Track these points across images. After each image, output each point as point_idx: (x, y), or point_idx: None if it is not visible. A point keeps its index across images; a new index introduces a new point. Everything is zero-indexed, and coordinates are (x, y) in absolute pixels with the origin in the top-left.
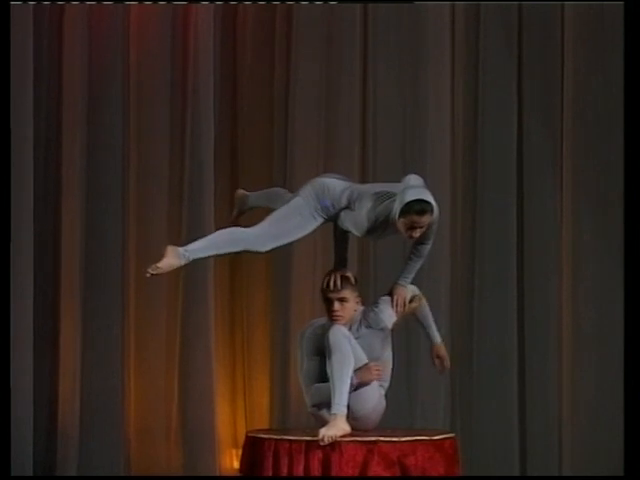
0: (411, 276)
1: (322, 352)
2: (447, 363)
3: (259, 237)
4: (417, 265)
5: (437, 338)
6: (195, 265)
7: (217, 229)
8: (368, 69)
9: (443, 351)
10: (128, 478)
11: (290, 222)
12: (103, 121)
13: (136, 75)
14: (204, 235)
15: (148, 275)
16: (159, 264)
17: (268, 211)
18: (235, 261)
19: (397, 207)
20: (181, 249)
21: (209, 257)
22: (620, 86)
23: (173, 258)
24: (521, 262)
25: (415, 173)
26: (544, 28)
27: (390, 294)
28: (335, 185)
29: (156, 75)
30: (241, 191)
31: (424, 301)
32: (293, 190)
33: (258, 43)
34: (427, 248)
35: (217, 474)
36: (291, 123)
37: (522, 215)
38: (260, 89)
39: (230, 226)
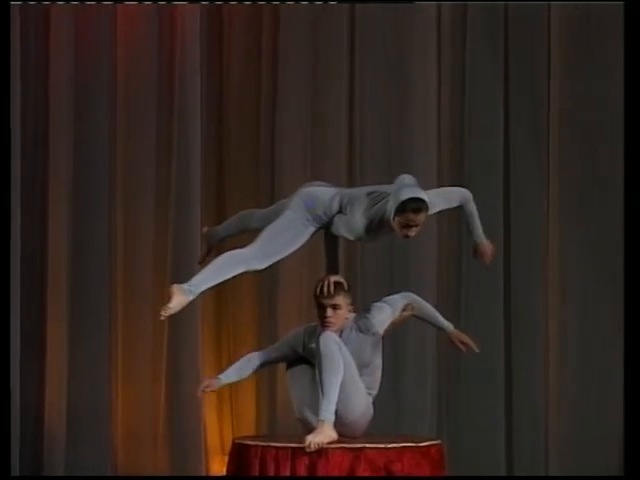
0: (478, 231)
1: (308, 357)
2: (472, 344)
3: (256, 256)
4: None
5: (450, 326)
6: (181, 267)
7: (202, 242)
8: (355, 70)
9: (463, 335)
10: (128, 478)
11: (284, 236)
12: (90, 123)
13: (123, 76)
14: (191, 239)
15: (162, 318)
16: (170, 304)
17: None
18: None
19: (392, 206)
20: (185, 285)
21: (213, 284)
22: (606, 87)
23: (181, 296)
24: (508, 265)
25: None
26: (530, 28)
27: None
28: (323, 193)
29: (143, 76)
30: (206, 228)
31: (421, 301)
32: (278, 192)
33: (245, 43)
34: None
35: None
36: (278, 124)
37: (509, 218)
38: (247, 90)
39: (201, 264)
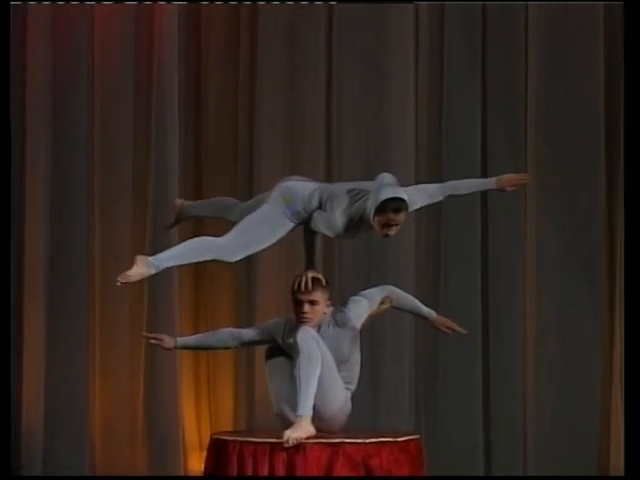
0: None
1: (286, 349)
2: (457, 327)
3: (228, 247)
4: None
5: (432, 313)
6: (159, 274)
7: (179, 231)
8: (333, 69)
9: (447, 320)
10: (129, 478)
11: (259, 230)
12: (67, 123)
13: (100, 76)
14: (168, 236)
15: (118, 284)
16: (129, 272)
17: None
18: (199, 266)
19: (372, 205)
20: (150, 258)
21: (178, 266)
22: (583, 86)
23: (143, 267)
24: (485, 261)
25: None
26: (508, 27)
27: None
28: (303, 188)
29: (120, 76)
30: (180, 200)
31: (400, 292)
32: (257, 190)
33: (223, 42)
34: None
35: (182, 476)
36: (257, 122)
37: (486, 216)
38: (225, 88)
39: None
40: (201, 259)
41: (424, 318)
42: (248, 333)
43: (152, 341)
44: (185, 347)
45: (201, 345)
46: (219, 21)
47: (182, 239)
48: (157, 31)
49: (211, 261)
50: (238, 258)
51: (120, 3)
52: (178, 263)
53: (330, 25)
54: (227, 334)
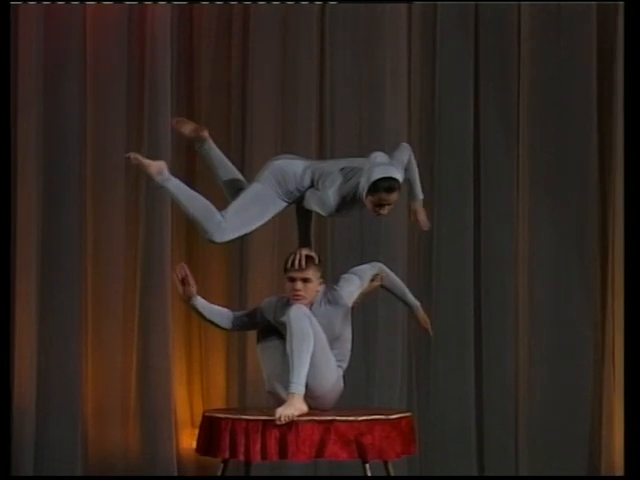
0: (418, 189)
1: (279, 327)
2: (429, 327)
3: (221, 226)
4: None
5: (416, 303)
6: (152, 244)
7: (174, 214)
8: (325, 62)
9: (425, 319)
10: (130, 478)
11: (250, 211)
12: (59, 122)
13: (93, 77)
14: (161, 221)
15: (127, 156)
16: (140, 157)
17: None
18: (192, 241)
19: (364, 185)
20: (167, 170)
21: (174, 200)
22: (574, 81)
23: (155, 167)
24: (478, 245)
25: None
26: (501, 12)
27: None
28: (295, 166)
29: (112, 76)
30: (207, 133)
31: (390, 273)
32: (249, 171)
33: (215, 40)
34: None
35: (174, 454)
36: (250, 104)
37: (479, 196)
38: (216, 69)
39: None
40: (196, 214)
41: (408, 306)
42: (242, 317)
43: (179, 280)
44: (195, 307)
45: (203, 314)
46: (211, 20)
47: (175, 228)
48: (149, 32)
49: (199, 229)
50: (226, 239)
51: (113, 3)
52: (176, 196)
53: (322, 24)
54: (225, 314)
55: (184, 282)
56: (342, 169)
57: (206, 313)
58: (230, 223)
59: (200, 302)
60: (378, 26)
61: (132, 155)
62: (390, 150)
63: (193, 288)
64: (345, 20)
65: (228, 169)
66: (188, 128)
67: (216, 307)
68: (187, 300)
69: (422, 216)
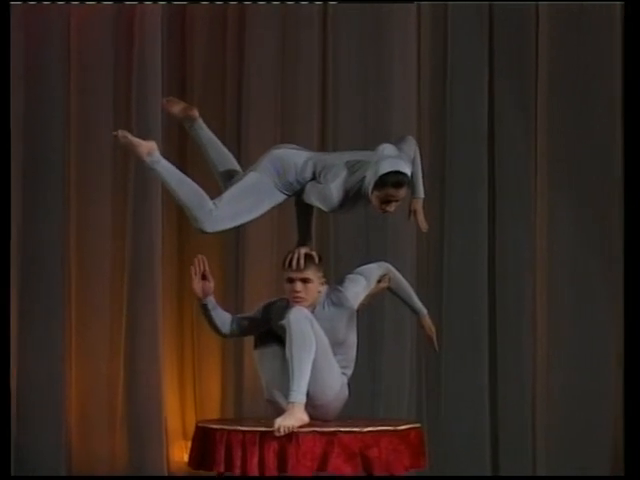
0: (420, 187)
1: (279, 331)
2: (435, 339)
3: (213, 214)
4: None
5: (423, 309)
6: (141, 243)
7: (165, 203)
8: (328, 53)
9: (431, 328)
10: (129, 478)
11: (246, 201)
12: (43, 127)
13: (77, 82)
14: (150, 211)
15: (115, 134)
16: (129, 136)
17: None
18: (184, 238)
19: (371, 180)
20: (157, 151)
21: (164, 184)
22: (597, 71)
23: (145, 147)
24: (493, 245)
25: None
26: (516, 23)
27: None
28: (295, 157)
29: (99, 79)
30: (196, 112)
31: (397, 274)
32: (245, 161)
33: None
34: None
35: (165, 467)
36: (246, 90)
37: (494, 192)
38: (210, 44)
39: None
40: (186, 200)
41: (413, 312)
42: (241, 320)
43: (198, 275)
44: (206, 307)
45: (212, 315)
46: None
47: (166, 219)
48: (137, 34)
49: (189, 217)
50: (218, 229)
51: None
52: (166, 180)
53: (324, 26)
54: (227, 318)
55: (203, 277)
56: (347, 162)
57: (213, 314)
58: (223, 212)
59: (212, 302)
60: (385, 21)
61: (120, 133)
62: (395, 142)
63: (212, 284)
64: (350, 17)
65: (220, 151)
66: (177, 108)
67: (221, 310)
68: (202, 298)
69: (421, 216)
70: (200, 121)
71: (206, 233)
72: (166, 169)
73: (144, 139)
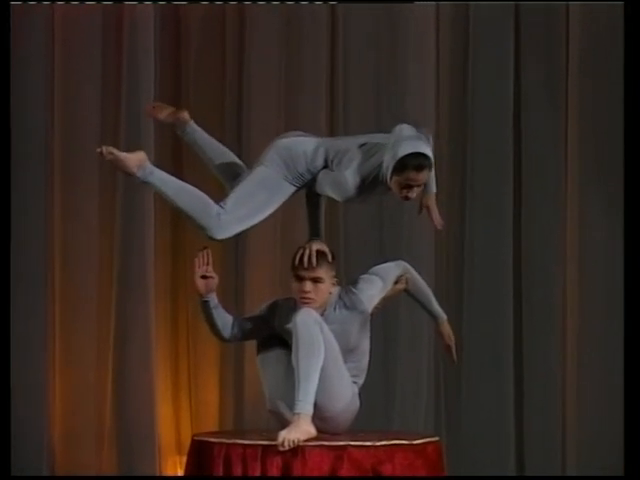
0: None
1: (283, 335)
2: (453, 351)
3: (220, 219)
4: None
5: (442, 315)
6: (132, 244)
7: (156, 208)
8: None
9: (450, 336)
10: (131, 478)
11: (255, 200)
12: (26, 134)
13: (62, 83)
14: (141, 205)
15: (98, 150)
16: (115, 151)
17: None
18: (178, 238)
19: (389, 163)
20: (149, 163)
21: (162, 196)
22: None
23: (134, 161)
24: (518, 243)
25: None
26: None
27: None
28: (304, 145)
29: (85, 81)
30: (187, 115)
31: (415, 275)
32: (246, 152)
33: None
34: None
35: None
36: (246, 75)
37: (520, 181)
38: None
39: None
40: (189, 209)
41: (432, 316)
42: (244, 323)
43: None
44: (207, 306)
45: (213, 315)
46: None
47: (159, 214)
48: (127, 33)
49: (196, 225)
50: (229, 235)
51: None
52: (164, 191)
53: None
54: (229, 320)
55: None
56: (361, 145)
57: (215, 314)
58: (232, 215)
59: (215, 300)
60: (397, 21)
61: (105, 149)
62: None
63: (216, 280)
64: (359, 17)
65: (220, 151)
66: (165, 113)
67: (223, 310)
68: (204, 294)
69: (435, 213)
70: (192, 123)
71: (217, 240)
72: (161, 180)
73: (135, 143)
